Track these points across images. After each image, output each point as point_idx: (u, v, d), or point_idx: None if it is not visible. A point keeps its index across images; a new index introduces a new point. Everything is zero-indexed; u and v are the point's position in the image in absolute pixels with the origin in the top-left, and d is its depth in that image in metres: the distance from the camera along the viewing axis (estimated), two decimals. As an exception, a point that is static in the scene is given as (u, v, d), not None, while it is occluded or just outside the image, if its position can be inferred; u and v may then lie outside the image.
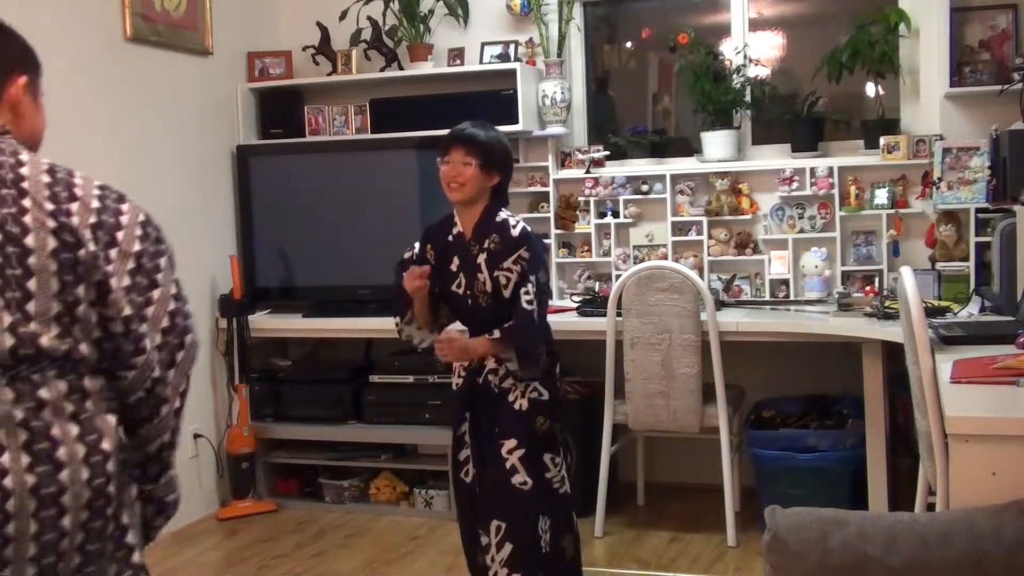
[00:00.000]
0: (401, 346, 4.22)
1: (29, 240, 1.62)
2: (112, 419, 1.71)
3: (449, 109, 4.52)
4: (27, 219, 1.62)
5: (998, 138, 4.03)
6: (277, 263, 4.93)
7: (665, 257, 4.64)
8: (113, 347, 1.70)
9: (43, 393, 1.63)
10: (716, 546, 4.09)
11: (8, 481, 1.57)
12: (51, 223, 1.63)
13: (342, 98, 5.07)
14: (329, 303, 4.83)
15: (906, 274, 2.59)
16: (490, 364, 3.11)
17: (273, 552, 4.25)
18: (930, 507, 2.57)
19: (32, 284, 1.61)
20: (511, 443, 3.06)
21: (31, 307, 1.61)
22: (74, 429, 1.65)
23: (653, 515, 4.52)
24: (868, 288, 4.32)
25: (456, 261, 3.13)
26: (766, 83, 4.66)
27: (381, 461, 4.74)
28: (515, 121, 4.60)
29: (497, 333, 3.05)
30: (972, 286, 4.04)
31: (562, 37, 4.78)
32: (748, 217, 4.62)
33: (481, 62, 4.86)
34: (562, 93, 4.74)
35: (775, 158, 4.65)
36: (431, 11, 4.89)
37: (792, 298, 4.51)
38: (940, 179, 4.19)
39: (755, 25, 4.74)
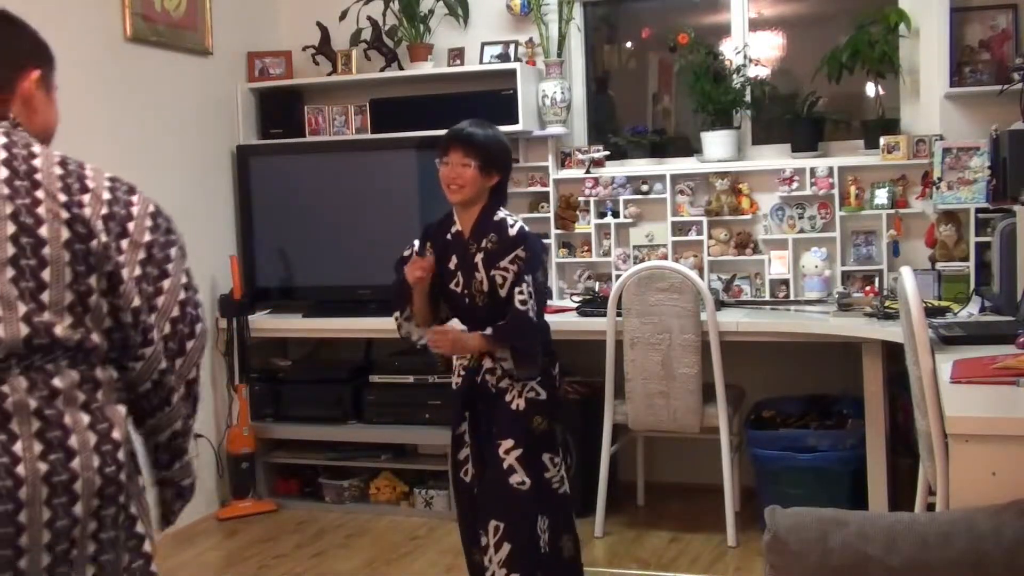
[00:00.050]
0: (401, 346, 4.23)
1: (43, 231, 1.64)
2: (122, 409, 1.73)
3: (449, 109, 4.51)
4: (41, 210, 1.65)
5: (998, 138, 4.03)
6: (277, 263, 4.93)
7: (665, 257, 4.64)
8: (122, 337, 1.73)
9: (56, 382, 1.65)
10: (716, 546, 4.09)
11: (21, 469, 1.59)
12: (64, 214, 1.66)
13: (342, 98, 5.07)
14: (329, 303, 4.83)
15: (906, 274, 2.59)
16: (487, 364, 3.10)
17: (273, 552, 4.25)
18: (930, 507, 2.57)
19: (46, 274, 1.64)
20: (508, 443, 3.05)
21: (45, 297, 1.64)
22: (85, 418, 1.67)
23: (653, 515, 4.52)
24: (868, 288, 4.32)
25: (454, 260, 3.13)
26: (766, 83, 4.66)
27: (381, 461, 4.74)
28: (515, 121, 4.60)
29: (490, 330, 3.05)
30: (972, 286, 4.04)
31: (562, 37, 4.78)
32: (748, 217, 4.62)
33: (481, 62, 4.86)
34: (562, 93, 4.74)
35: (775, 158, 4.65)
36: (431, 11, 4.89)
37: (792, 298, 4.51)
38: (940, 179, 4.19)
39: (755, 25, 4.74)
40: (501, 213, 3.12)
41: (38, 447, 1.61)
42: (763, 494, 4.14)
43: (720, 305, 4.29)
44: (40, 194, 1.65)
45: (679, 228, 4.72)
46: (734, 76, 4.61)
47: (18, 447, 1.60)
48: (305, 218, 4.87)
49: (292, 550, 4.26)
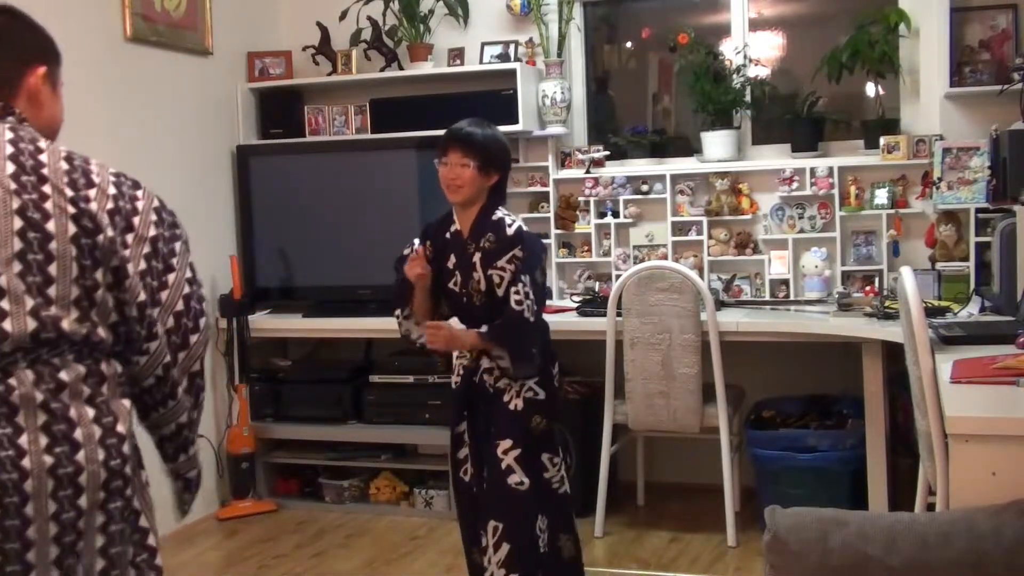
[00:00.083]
0: (401, 346, 4.23)
1: (50, 226, 1.65)
2: (127, 403, 1.75)
3: (449, 109, 4.51)
4: (48, 205, 1.66)
5: (998, 138, 4.03)
6: (277, 263, 4.93)
7: (665, 257, 4.64)
8: (127, 331, 1.74)
9: (63, 376, 1.66)
10: (716, 546, 4.09)
11: (26, 462, 1.60)
12: (71, 209, 1.67)
13: (342, 98, 5.07)
14: (329, 303, 4.83)
15: (906, 274, 2.59)
16: (485, 364, 3.10)
17: (273, 552, 4.25)
18: (930, 507, 2.57)
19: (53, 269, 1.65)
20: (506, 443, 3.05)
21: (52, 291, 1.65)
22: (90, 411, 1.68)
23: (653, 515, 4.52)
24: (868, 288, 4.32)
25: (453, 259, 3.12)
26: (766, 83, 4.66)
27: (381, 461, 4.74)
28: (515, 121, 4.60)
29: (485, 328, 3.05)
30: (972, 286, 4.04)
31: (562, 37, 4.78)
32: (748, 217, 4.62)
33: (481, 62, 4.86)
34: (562, 93, 4.74)
35: (775, 158, 4.65)
36: (431, 11, 4.89)
37: (792, 298, 4.51)
38: (940, 179, 4.19)
39: (755, 25, 4.74)
40: (500, 213, 3.11)
41: (44, 440, 1.62)
42: (763, 494, 4.14)
43: (720, 305, 4.29)
44: (47, 189, 1.66)
45: (679, 228, 4.72)
46: (734, 76, 4.61)
47: (24, 440, 1.61)
48: (305, 218, 4.87)
49: (292, 550, 4.26)
